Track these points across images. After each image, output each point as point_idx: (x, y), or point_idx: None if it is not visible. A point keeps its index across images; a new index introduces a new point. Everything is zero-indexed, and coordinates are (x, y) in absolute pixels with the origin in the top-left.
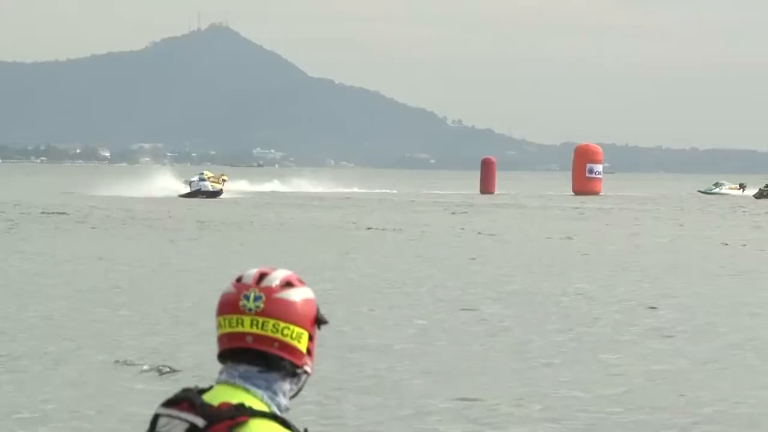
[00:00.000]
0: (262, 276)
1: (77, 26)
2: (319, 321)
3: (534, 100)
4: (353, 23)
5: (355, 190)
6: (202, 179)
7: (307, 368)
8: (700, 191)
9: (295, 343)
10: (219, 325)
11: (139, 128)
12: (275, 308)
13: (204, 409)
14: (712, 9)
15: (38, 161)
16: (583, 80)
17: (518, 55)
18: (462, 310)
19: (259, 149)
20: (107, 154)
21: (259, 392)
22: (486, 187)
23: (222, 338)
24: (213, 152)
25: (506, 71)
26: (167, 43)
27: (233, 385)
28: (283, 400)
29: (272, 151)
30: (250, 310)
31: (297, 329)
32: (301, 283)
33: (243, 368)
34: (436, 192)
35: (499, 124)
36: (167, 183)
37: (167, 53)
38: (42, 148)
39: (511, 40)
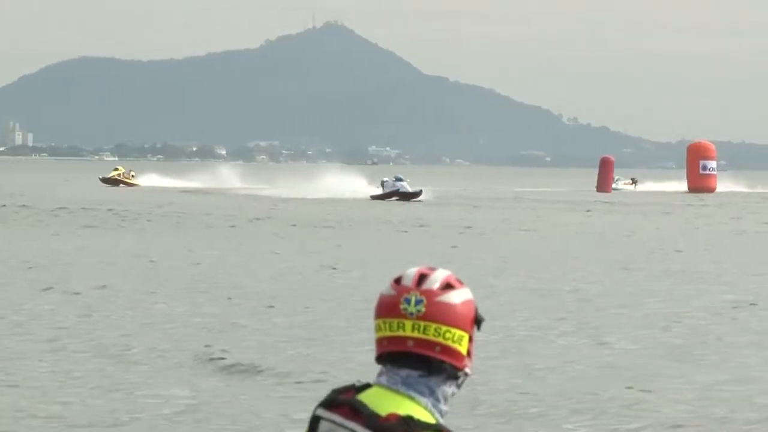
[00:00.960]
0: (422, 277)
1: (194, 25)
2: (478, 321)
3: (650, 98)
4: (468, 21)
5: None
6: (398, 179)
7: (468, 370)
8: None
9: (456, 346)
10: (378, 328)
11: (255, 126)
12: (437, 312)
13: (372, 421)
14: None
15: (155, 159)
16: (699, 77)
17: (634, 53)
18: None
19: (374, 147)
20: (223, 152)
21: (423, 400)
22: (603, 185)
23: (381, 341)
24: (328, 150)
25: (622, 68)
26: (283, 41)
27: (396, 391)
28: (444, 406)
29: (387, 148)
30: (411, 314)
31: (458, 332)
32: (460, 283)
33: (405, 373)
34: (550, 190)
35: (615, 122)
36: (340, 182)
37: (283, 51)
38: (158, 146)
39: (628, 37)
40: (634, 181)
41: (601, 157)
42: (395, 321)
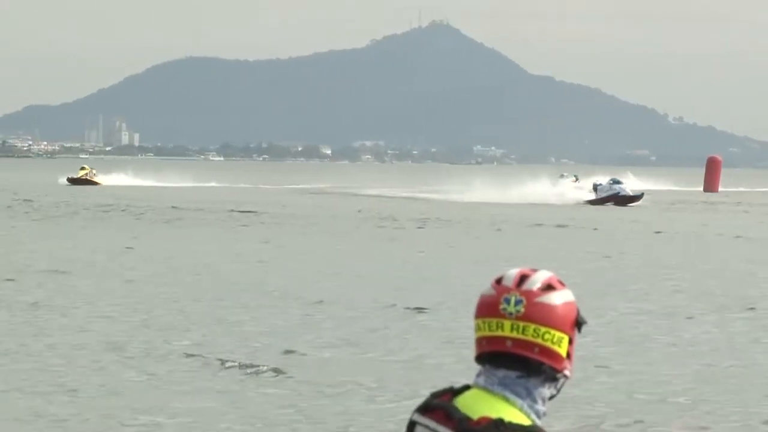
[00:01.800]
0: (522, 278)
1: (300, 24)
2: (579, 324)
3: (757, 97)
4: (573, 21)
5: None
6: (616, 182)
7: (567, 372)
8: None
9: (555, 347)
10: (477, 328)
11: (360, 126)
12: (536, 313)
13: (462, 425)
14: None
15: (260, 159)
16: None
17: (741, 51)
18: None
19: (479, 147)
20: (328, 151)
21: (519, 401)
22: (710, 185)
23: (480, 341)
24: (434, 149)
25: (729, 67)
26: (388, 41)
27: (492, 392)
28: (542, 407)
29: (492, 148)
30: (510, 314)
31: (558, 333)
32: (562, 285)
33: (502, 373)
34: (657, 189)
35: (721, 121)
36: (541, 186)
37: (388, 51)
38: (264, 145)
39: (735, 35)
40: (576, 179)
41: (708, 156)
42: (494, 321)
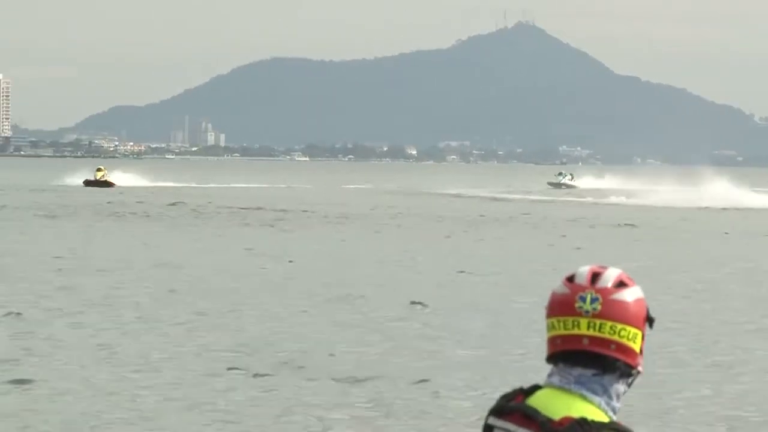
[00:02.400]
0: (595, 276)
1: (385, 25)
2: (650, 320)
3: None
4: (658, 22)
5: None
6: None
7: (640, 368)
8: (550, 183)
9: (630, 344)
10: (551, 327)
11: (445, 126)
12: (612, 310)
13: (546, 426)
14: None
15: (345, 159)
16: None
17: None
18: None
19: (565, 147)
20: (414, 152)
21: (596, 399)
22: None
23: (554, 340)
24: (519, 150)
25: None
26: (474, 41)
27: (569, 391)
28: (617, 404)
29: (578, 148)
30: (587, 312)
31: (633, 330)
32: (632, 282)
33: (578, 372)
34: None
35: None
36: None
37: (473, 51)
38: (349, 146)
39: None
40: (572, 177)
41: None
42: (570, 319)
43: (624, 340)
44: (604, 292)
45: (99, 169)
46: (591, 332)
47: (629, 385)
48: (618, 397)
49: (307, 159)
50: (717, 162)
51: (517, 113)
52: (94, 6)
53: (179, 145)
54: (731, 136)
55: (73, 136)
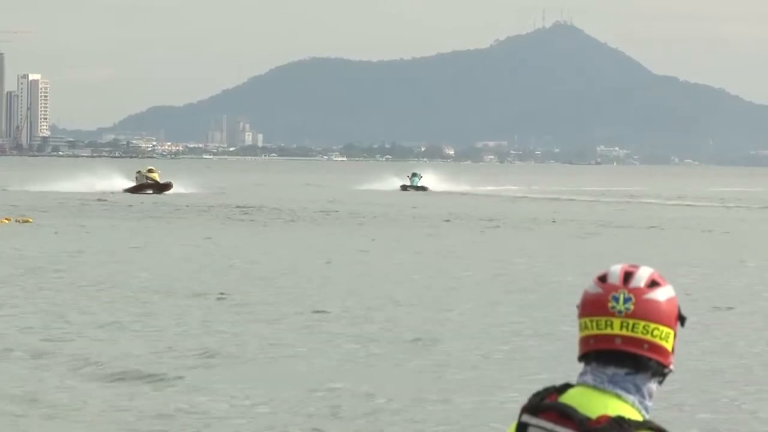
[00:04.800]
0: (627, 275)
1: (423, 24)
2: (681, 318)
3: None
4: (697, 21)
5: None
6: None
7: (672, 367)
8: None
9: (663, 343)
10: (584, 327)
11: (483, 126)
12: (645, 309)
13: (583, 425)
14: None
15: (383, 159)
16: None
17: None
18: None
19: (602, 147)
20: (451, 152)
21: (630, 397)
22: None
23: (587, 339)
24: (557, 150)
25: None
26: (512, 41)
27: (603, 390)
28: (650, 402)
29: (616, 148)
30: (620, 312)
31: (665, 329)
32: (664, 281)
33: (611, 371)
34: None
35: None
36: None
37: (511, 51)
38: (387, 146)
39: None
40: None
41: None
42: (603, 319)
43: (657, 340)
44: (637, 291)
45: (151, 170)
46: (624, 332)
47: (660, 384)
48: (651, 395)
49: (345, 159)
50: (754, 162)
51: (556, 113)
52: (133, 6)
53: (217, 145)
54: None
55: (111, 136)
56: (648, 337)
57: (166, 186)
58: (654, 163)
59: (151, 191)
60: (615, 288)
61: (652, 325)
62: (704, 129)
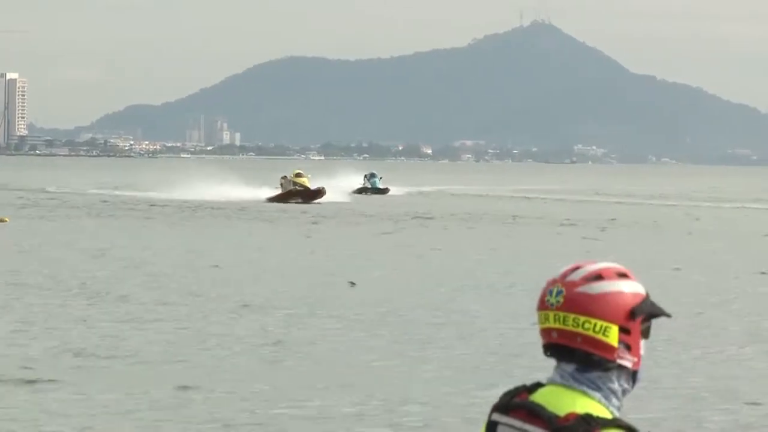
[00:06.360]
0: (573, 270)
1: (401, 24)
2: (634, 313)
3: None
4: (675, 20)
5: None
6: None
7: (623, 362)
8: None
9: (600, 336)
10: (538, 320)
11: (461, 125)
12: (574, 302)
13: (553, 423)
14: None
15: (360, 158)
16: None
17: None
18: None
19: (580, 146)
20: (429, 151)
21: (597, 394)
22: None
23: (540, 333)
24: (534, 149)
25: None
26: (490, 40)
27: (570, 388)
28: (617, 401)
29: (593, 147)
30: (552, 305)
31: (600, 322)
32: (620, 276)
33: (571, 368)
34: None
35: None
36: None
37: (490, 50)
38: (364, 144)
39: None
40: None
41: None
42: (542, 313)
43: (590, 333)
44: (570, 284)
45: (299, 174)
46: (557, 325)
47: (630, 383)
48: (615, 394)
49: (323, 158)
50: (732, 161)
51: (533, 112)
52: (110, 5)
53: (195, 144)
54: (747, 135)
55: (88, 135)
56: (579, 329)
57: (318, 192)
58: (631, 162)
59: (300, 200)
60: (553, 282)
61: (582, 318)
62: (682, 128)
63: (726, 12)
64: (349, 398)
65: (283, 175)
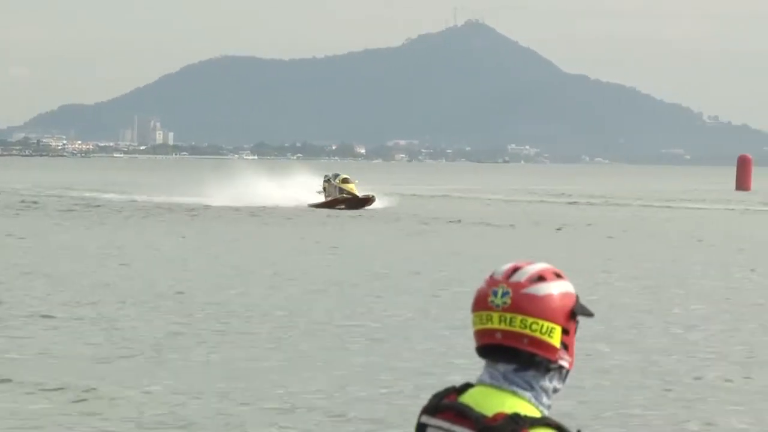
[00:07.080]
0: (513, 270)
1: (335, 23)
2: (575, 314)
3: None
4: (609, 19)
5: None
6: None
7: (563, 363)
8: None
9: (545, 338)
10: (473, 322)
11: (394, 125)
12: (522, 303)
13: (480, 423)
14: None
15: (294, 158)
16: None
17: None
18: None
19: (513, 146)
20: (362, 150)
21: (527, 394)
22: (742, 184)
23: (476, 335)
24: (468, 148)
25: (763, 65)
26: (424, 39)
27: (499, 388)
28: (548, 400)
29: (527, 147)
30: (497, 306)
31: (546, 324)
32: (558, 276)
33: (503, 368)
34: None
35: (755, 120)
36: None
37: (423, 50)
38: (298, 144)
39: None
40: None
41: (739, 155)
42: (484, 314)
43: (537, 334)
44: (516, 286)
45: (346, 180)
46: (503, 326)
47: (561, 381)
48: (546, 392)
49: (256, 158)
50: (665, 160)
51: (467, 112)
52: (42, 3)
53: (128, 143)
54: (680, 134)
55: (21, 135)
56: (527, 331)
57: (367, 200)
58: (564, 161)
59: (343, 206)
60: (496, 282)
61: (530, 320)
62: (616, 127)
63: (660, 12)
64: None
65: (325, 176)
